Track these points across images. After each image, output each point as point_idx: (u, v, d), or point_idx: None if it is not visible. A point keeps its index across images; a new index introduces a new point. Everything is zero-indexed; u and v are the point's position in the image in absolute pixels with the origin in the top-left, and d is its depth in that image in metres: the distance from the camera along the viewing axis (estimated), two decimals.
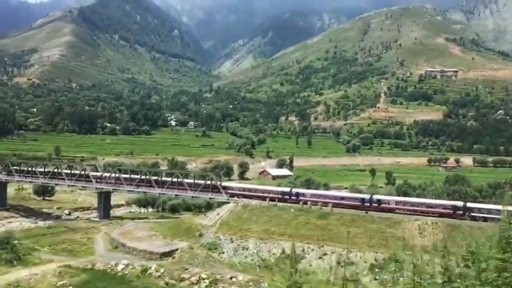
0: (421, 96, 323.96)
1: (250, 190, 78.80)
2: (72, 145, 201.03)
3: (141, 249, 62.76)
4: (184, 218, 77.87)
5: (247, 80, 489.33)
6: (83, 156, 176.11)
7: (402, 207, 67.43)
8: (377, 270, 52.59)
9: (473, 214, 62.23)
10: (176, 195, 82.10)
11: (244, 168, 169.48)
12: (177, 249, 61.73)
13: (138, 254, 62.30)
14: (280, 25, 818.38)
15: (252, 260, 59.74)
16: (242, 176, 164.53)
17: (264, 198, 72.66)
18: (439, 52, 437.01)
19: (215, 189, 77.81)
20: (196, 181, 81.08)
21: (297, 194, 74.29)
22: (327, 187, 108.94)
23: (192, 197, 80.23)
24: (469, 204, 65.28)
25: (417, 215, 64.64)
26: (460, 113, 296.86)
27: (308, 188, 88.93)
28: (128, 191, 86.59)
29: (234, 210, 70.81)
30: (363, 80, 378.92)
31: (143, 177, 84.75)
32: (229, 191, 77.50)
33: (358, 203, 69.81)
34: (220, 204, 76.76)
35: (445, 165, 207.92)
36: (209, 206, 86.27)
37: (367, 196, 72.18)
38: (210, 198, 78.90)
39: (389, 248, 55.87)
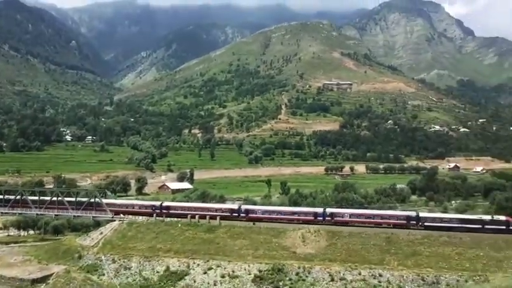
0: (320, 108, 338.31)
1: (195, 209, 73.45)
2: None
3: (10, 277, 57.13)
4: (63, 240, 72.42)
5: (150, 93, 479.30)
6: None
7: (356, 219, 66.96)
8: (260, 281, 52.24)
9: (426, 224, 63.50)
10: (56, 215, 76.18)
11: (142, 183, 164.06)
12: (51, 275, 57.02)
13: (6, 282, 56.59)
14: (184, 37, 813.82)
15: (133, 280, 56.82)
16: (140, 191, 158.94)
17: (209, 217, 68.56)
18: (335, 66, 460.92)
19: (99, 206, 73.44)
20: (78, 199, 76.03)
21: (247, 211, 71.63)
22: (223, 199, 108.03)
23: (74, 216, 75.06)
24: (421, 214, 66.92)
25: (372, 227, 64.52)
26: (354, 123, 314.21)
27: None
28: (1, 213, 78.90)
29: (119, 229, 67.47)
30: (265, 92, 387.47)
31: (18, 197, 77.72)
32: (171, 211, 73.11)
33: (311, 218, 68.39)
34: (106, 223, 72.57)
35: (340, 173, 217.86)
36: (98, 225, 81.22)
37: (320, 210, 70.68)
38: (93, 217, 74.27)
39: (273, 258, 56.09)
